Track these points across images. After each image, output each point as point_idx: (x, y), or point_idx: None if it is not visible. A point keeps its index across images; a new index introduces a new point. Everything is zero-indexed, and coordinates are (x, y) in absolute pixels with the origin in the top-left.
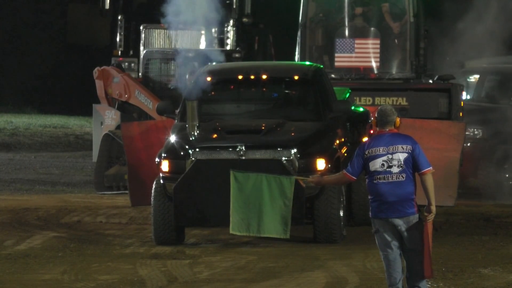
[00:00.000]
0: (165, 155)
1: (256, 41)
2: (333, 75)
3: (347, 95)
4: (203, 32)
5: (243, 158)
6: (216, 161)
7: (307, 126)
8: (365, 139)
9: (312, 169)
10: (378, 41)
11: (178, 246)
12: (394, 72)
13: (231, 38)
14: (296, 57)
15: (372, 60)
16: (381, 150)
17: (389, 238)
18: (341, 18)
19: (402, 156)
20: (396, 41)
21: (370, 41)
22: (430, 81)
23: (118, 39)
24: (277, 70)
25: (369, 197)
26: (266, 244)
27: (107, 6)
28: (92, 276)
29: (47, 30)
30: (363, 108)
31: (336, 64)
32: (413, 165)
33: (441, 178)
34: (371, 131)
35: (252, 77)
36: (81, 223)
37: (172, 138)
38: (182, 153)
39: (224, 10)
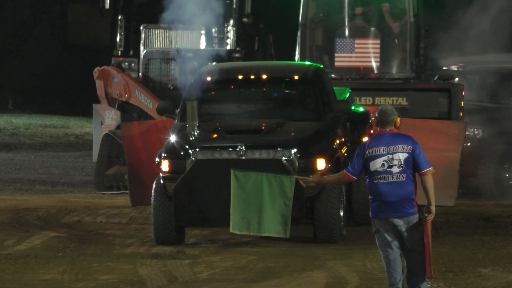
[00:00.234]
0: (165, 155)
1: (256, 41)
2: (333, 75)
3: (347, 95)
4: (203, 32)
5: (243, 158)
6: (216, 161)
7: (307, 126)
8: (365, 139)
9: (312, 169)
10: (378, 41)
11: (178, 246)
12: (394, 72)
13: (231, 38)
14: (296, 57)
15: (372, 60)
16: (381, 150)
17: (389, 238)
18: (341, 18)
19: (402, 156)
20: (396, 41)
21: (370, 41)
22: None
23: (118, 39)
24: (277, 70)
25: (369, 197)
26: (266, 244)
27: (107, 6)
28: (92, 276)
29: (47, 30)
30: (363, 108)
31: (336, 64)
32: (413, 165)
33: (441, 178)
34: (371, 131)
35: (252, 77)
36: (81, 223)
37: (172, 138)
38: (182, 153)
39: (224, 10)
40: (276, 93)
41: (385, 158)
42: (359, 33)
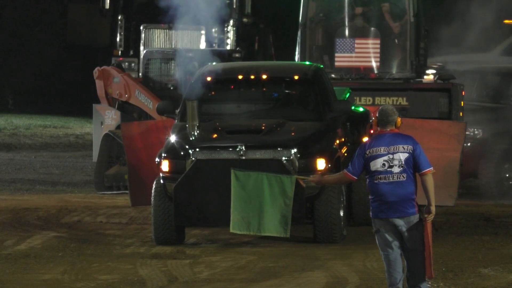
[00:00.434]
0: (165, 155)
1: (256, 41)
2: (333, 75)
3: (347, 95)
4: (203, 32)
5: (243, 158)
6: (216, 161)
7: (307, 126)
8: (365, 139)
9: (312, 169)
10: (378, 41)
11: (178, 246)
12: (394, 72)
13: (231, 38)
14: (296, 57)
15: (372, 60)
16: (382, 150)
17: (389, 238)
18: (341, 18)
19: (403, 156)
20: (396, 41)
21: (370, 41)
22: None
23: (118, 39)
24: (277, 70)
25: (370, 197)
26: (266, 244)
27: (107, 6)
28: (92, 276)
29: (47, 30)
30: (363, 108)
31: (336, 64)
32: (413, 165)
33: (441, 178)
34: (372, 131)
35: (252, 77)
36: (81, 223)
37: (172, 138)
38: (182, 153)
39: (224, 10)
40: (276, 93)
41: (385, 158)
42: (359, 33)
